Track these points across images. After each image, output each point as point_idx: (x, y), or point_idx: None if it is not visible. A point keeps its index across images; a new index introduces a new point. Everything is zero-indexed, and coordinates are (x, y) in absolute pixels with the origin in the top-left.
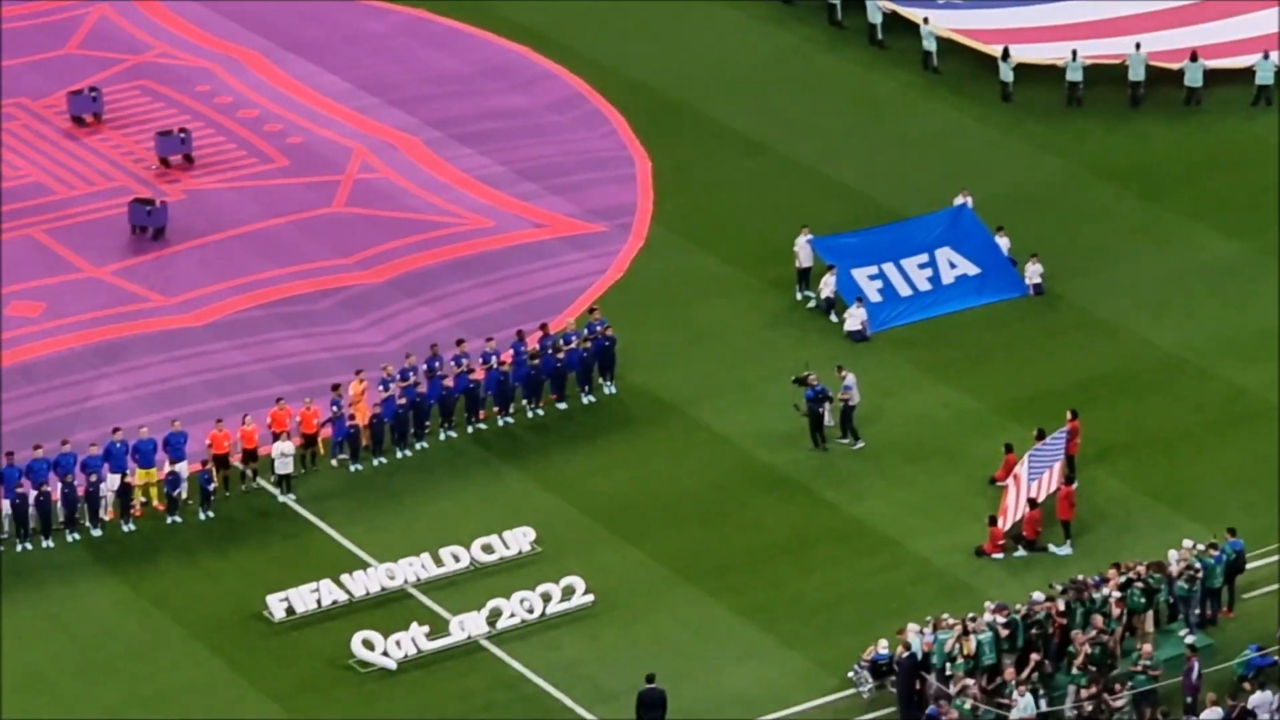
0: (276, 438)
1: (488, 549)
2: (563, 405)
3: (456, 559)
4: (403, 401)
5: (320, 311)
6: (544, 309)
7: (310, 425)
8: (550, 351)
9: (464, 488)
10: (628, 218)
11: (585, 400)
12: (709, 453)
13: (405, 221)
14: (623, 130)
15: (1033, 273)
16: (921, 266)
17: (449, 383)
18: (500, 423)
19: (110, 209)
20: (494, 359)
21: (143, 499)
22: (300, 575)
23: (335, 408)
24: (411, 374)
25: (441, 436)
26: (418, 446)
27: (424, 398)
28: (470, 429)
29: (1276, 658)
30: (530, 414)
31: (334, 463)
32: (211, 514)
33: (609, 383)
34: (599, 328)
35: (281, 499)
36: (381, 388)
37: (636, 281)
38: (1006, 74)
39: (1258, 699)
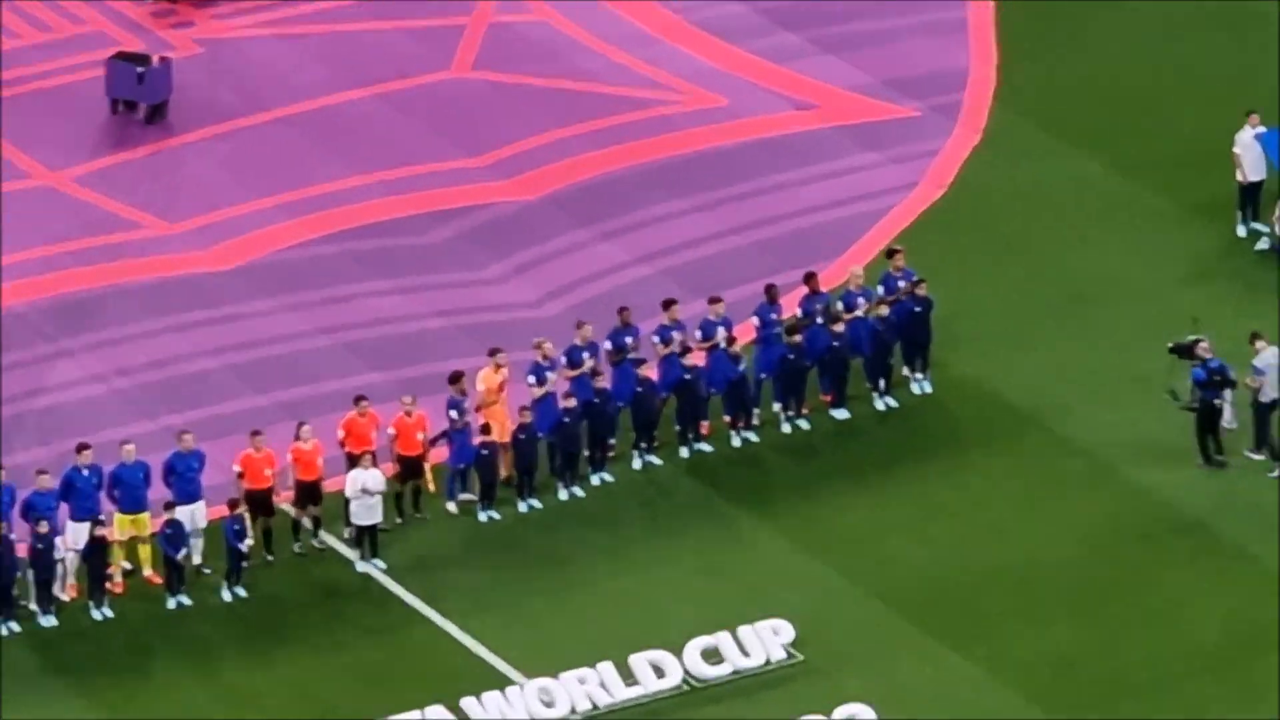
0: (354, 462)
1: (712, 657)
2: (841, 413)
3: (660, 673)
4: (571, 404)
5: (430, 248)
6: (811, 250)
7: (412, 442)
8: (821, 322)
9: (673, 550)
10: (954, 94)
11: (880, 404)
12: (1084, 489)
13: (575, 97)
14: None
15: None
16: None
17: (649, 373)
18: (736, 440)
19: (79, 71)
20: (723, 332)
21: (126, 565)
22: (396, 698)
23: (455, 413)
24: (586, 357)
25: (636, 463)
26: (596, 480)
27: (607, 398)
28: (685, 450)
29: None
30: (785, 424)
31: (452, 506)
32: (242, 592)
33: (919, 375)
34: (903, 282)
35: (362, 566)
36: (534, 380)
37: (967, 204)
38: None
39: None
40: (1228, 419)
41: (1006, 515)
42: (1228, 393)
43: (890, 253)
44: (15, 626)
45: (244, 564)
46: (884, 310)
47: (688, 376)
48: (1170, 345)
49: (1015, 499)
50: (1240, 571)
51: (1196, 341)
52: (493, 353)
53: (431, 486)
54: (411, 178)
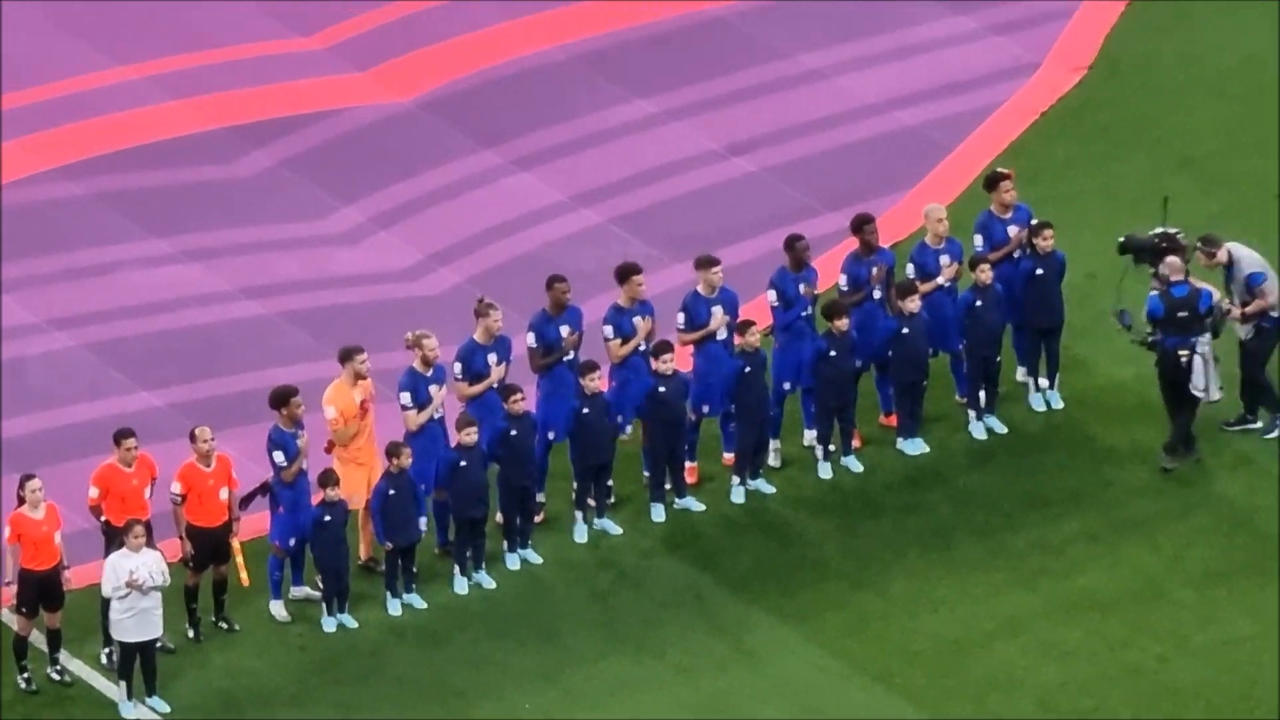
0: (115, 538)
1: None
2: (915, 445)
3: None
4: (470, 438)
5: (238, 185)
6: (862, 179)
7: (212, 505)
8: (880, 297)
9: (644, 671)
10: None
11: (978, 430)
12: None
13: None
14: None
15: None
16: None
17: (599, 385)
18: (738, 494)
19: None
20: (720, 314)
21: None
22: None
23: (281, 456)
24: (493, 361)
25: (579, 533)
26: (513, 562)
27: (529, 427)
28: (659, 511)
29: None
30: (824, 465)
31: (278, 609)
32: None
33: (1043, 382)
34: (1014, 228)
35: (131, 711)
36: (408, 400)
37: (1117, 97)
38: None
39: None
40: (1198, 382)
41: (1205, 613)
42: (1204, 339)
43: (992, 180)
44: None
45: None
46: (986, 274)
47: (662, 389)
48: (1122, 240)
49: (1221, 584)
50: None
51: (1166, 237)
52: (345, 356)
53: (244, 577)
54: (205, 70)
